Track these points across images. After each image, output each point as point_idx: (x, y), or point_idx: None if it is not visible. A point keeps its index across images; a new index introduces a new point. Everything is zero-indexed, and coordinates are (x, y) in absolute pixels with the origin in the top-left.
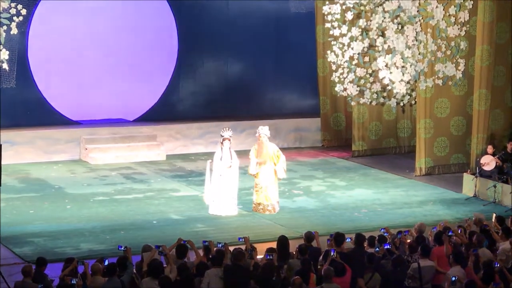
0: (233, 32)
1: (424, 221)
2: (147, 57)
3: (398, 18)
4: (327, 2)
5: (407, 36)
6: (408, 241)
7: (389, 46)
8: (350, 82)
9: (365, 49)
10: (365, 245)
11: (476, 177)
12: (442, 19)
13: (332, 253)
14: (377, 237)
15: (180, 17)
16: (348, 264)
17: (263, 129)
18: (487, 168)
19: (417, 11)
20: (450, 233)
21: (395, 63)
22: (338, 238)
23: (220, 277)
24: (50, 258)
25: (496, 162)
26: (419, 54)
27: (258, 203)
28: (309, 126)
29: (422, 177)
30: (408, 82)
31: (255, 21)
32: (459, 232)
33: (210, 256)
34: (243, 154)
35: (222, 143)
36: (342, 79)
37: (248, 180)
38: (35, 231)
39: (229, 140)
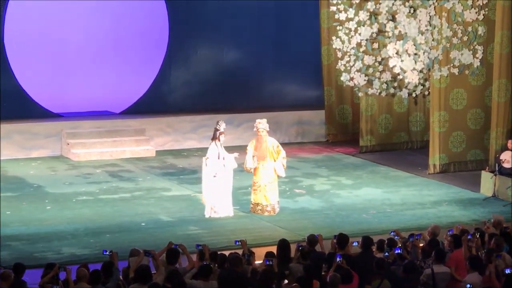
0: (229, 16)
1: (438, 223)
2: (135, 44)
3: (410, 1)
4: None
5: (419, 20)
6: (421, 245)
7: (400, 31)
8: (358, 71)
9: (374, 35)
10: (374, 250)
11: (495, 175)
12: (458, 2)
13: (338, 259)
14: (386, 241)
15: (171, 0)
16: (355, 270)
17: (262, 123)
18: (507, 165)
19: None
20: (469, 237)
21: (406, 50)
22: (341, 239)
23: None
24: (29, 264)
25: None
26: (433, 40)
27: (256, 203)
28: (313, 119)
29: (436, 175)
30: (421, 71)
31: (254, 4)
32: (477, 236)
33: (200, 265)
34: (239, 149)
35: (218, 138)
36: (349, 68)
37: (245, 178)
38: (12, 234)
39: (224, 134)
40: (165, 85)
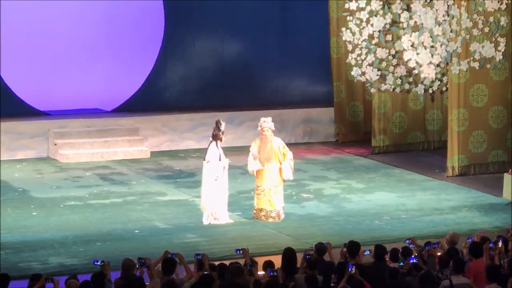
0: (230, 5)
1: (457, 230)
2: (127, 36)
3: None
4: None
5: (437, 10)
6: (438, 254)
7: (415, 22)
8: (370, 65)
9: (387, 26)
10: (387, 259)
11: None
12: None
13: (350, 269)
14: (401, 250)
15: None
16: (367, 281)
17: (267, 122)
18: None
19: None
20: (491, 245)
21: (422, 43)
22: (352, 248)
23: None
24: (13, 275)
25: None
26: (451, 31)
27: (260, 208)
28: (321, 118)
29: (455, 178)
30: (438, 65)
31: None
32: (499, 244)
33: (201, 274)
34: (241, 150)
35: (221, 139)
36: (360, 62)
37: (248, 181)
38: None
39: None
40: (160, 80)
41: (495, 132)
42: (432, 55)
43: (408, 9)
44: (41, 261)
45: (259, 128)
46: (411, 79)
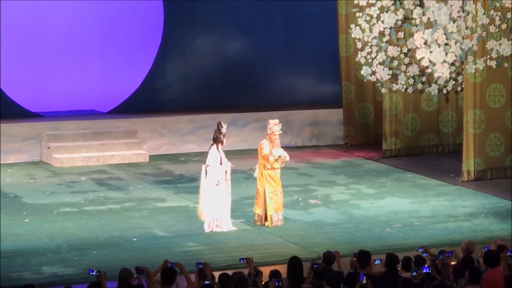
0: (232, 2)
1: (473, 238)
2: (125, 33)
3: None
4: None
5: (451, 6)
6: (453, 263)
7: (428, 18)
8: (380, 63)
9: (399, 23)
10: (399, 269)
11: None
12: None
13: (361, 279)
14: (413, 258)
15: None
16: None
17: (277, 125)
18: None
19: None
20: (509, 253)
21: (436, 40)
22: (362, 257)
23: None
24: (5, 285)
25: None
26: (466, 28)
27: (279, 213)
28: (329, 119)
29: (471, 182)
30: (452, 64)
31: None
32: None
33: (202, 284)
34: (245, 153)
35: (222, 142)
36: (370, 60)
37: (252, 186)
38: None
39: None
40: (159, 80)
41: None
42: (446, 53)
43: (421, 4)
44: (34, 271)
45: (269, 132)
46: (424, 79)
